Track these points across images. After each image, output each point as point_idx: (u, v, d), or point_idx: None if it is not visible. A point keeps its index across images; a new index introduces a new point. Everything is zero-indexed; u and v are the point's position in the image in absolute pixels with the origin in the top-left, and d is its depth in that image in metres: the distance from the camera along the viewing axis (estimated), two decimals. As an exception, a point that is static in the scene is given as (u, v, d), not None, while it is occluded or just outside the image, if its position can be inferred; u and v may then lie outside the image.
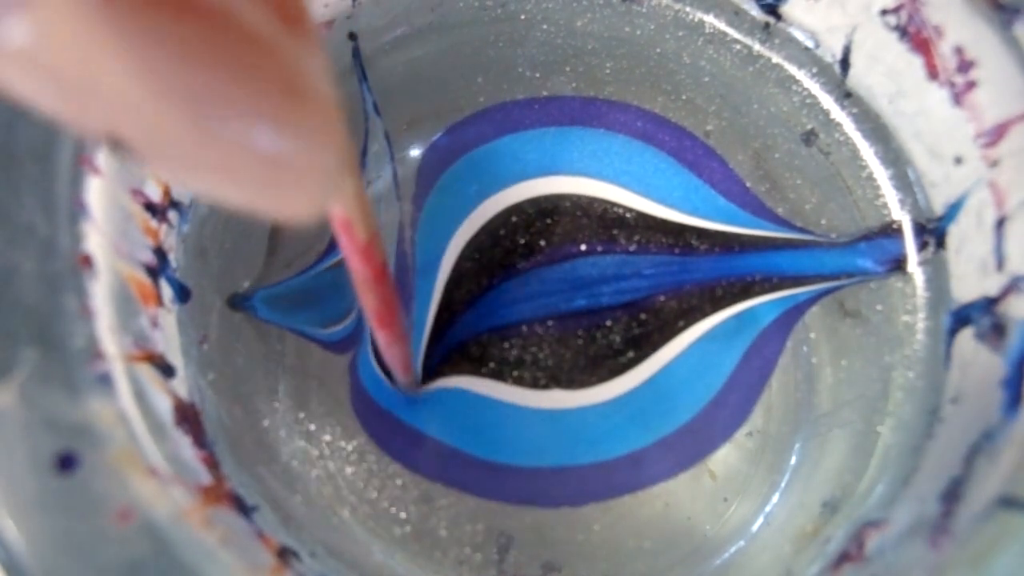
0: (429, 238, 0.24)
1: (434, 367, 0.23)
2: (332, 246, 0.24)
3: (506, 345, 0.23)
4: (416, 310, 0.24)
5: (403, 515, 0.22)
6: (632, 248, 0.24)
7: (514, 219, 0.24)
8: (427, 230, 0.24)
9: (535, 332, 0.23)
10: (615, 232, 0.24)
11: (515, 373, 0.23)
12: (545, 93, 0.25)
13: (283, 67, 0.10)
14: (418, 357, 0.23)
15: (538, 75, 0.25)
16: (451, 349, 0.23)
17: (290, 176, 0.10)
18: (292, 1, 0.10)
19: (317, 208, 0.11)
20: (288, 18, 0.10)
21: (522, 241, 0.24)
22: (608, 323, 0.23)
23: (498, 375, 0.23)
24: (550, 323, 0.23)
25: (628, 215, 0.24)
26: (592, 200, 0.24)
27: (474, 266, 0.24)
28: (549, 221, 0.24)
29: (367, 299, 0.18)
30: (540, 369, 0.23)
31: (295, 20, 0.10)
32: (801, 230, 0.24)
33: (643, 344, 0.23)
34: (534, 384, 0.23)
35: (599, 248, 0.24)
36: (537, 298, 0.24)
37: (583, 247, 0.24)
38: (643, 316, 0.23)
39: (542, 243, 0.24)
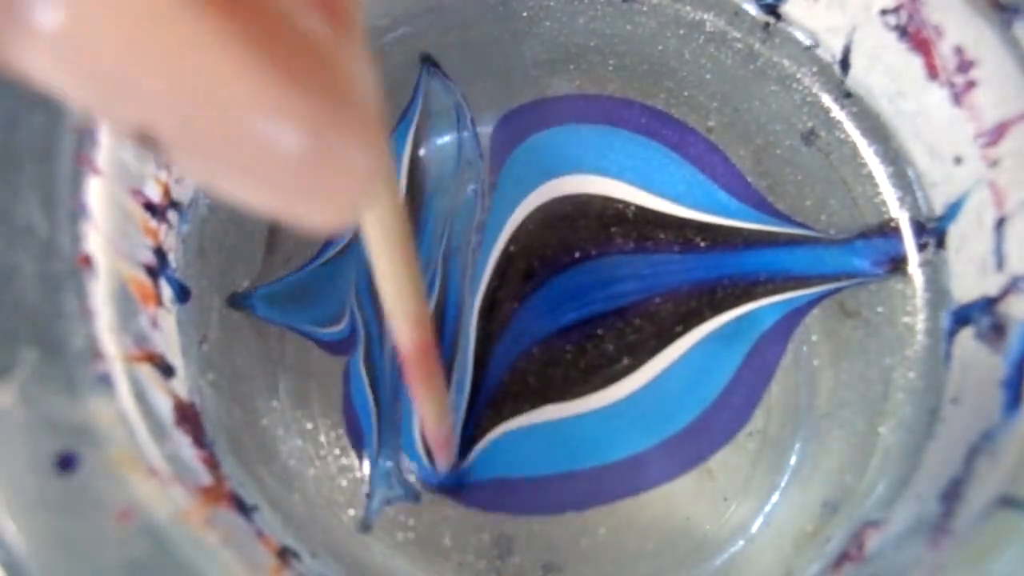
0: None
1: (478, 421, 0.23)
2: (329, 241, 0.24)
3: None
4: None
5: (403, 517, 0.22)
6: (630, 247, 0.24)
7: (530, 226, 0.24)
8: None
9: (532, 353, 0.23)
10: (613, 230, 0.24)
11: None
12: (550, 91, 0.25)
13: (327, 69, 0.09)
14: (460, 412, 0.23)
15: (541, 72, 0.25)
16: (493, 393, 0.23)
17: (323, 180, 0.10)
18: (342, 3, 0.10)
19: (348, 215, 0.11)
20: (337, 20, 0.09)
21: (538, 256, 0.24)
22: (600, 331, 0.23)
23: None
24: (535, 351, 0.23)
25: (628, 211, 0.24)
26: (591, 198, 0.24)
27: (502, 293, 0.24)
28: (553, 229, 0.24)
29: (424, 401, 0.18)
30: (531, 392, 0.23)
31: (343, 22, 0.10)
32: (801, 225, 0.24)
33: (641, 348, 0.23)
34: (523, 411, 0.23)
35: (594, 252, 0.24)
36: (544, 316, 0.23)
37: (576, 255, 0.24)
38: (638, 321, 0.23)
39: (549, 253, 0.24)
